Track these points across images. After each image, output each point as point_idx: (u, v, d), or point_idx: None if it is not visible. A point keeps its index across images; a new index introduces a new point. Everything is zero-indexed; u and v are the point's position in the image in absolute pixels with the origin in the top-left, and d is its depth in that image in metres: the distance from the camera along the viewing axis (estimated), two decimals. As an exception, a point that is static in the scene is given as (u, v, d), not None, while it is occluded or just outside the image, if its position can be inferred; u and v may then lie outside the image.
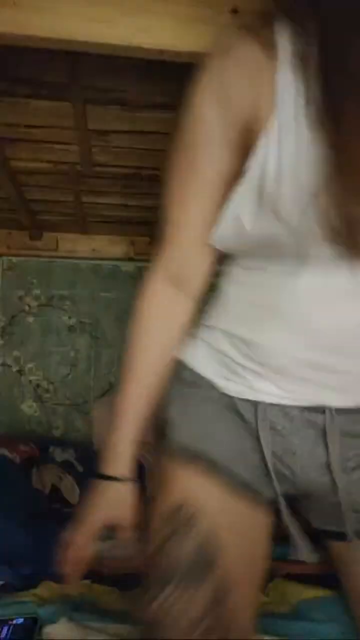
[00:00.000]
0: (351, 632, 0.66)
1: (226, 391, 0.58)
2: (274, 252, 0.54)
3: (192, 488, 0.58)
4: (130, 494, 0.61)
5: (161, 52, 0.72)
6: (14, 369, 1.84)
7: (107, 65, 0.90)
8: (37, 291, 1.90)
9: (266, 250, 0.55)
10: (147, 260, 1.90)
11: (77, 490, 1.21)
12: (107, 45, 0.71)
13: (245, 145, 0.53)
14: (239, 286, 0.61)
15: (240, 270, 0.60)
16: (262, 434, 0.55)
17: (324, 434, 0.55)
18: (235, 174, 0.54)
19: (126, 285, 1.94)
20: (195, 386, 0.60)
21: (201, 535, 0.54)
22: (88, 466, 1.31)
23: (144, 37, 0.71)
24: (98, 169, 1.30)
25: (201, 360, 0.61)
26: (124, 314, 1.93)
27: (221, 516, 0.56)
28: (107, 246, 1.87)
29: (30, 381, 1.84)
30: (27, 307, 1.89)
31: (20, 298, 1.89)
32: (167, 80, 0.95)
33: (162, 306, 0.61)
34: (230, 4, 0.73)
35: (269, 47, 0.50)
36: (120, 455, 0.60)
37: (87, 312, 1.91)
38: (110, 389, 1.85)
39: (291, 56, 0.49)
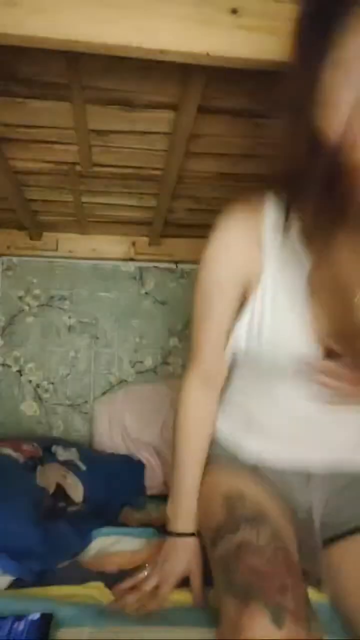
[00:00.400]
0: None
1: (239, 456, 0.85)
2: (261, 364, 0.77)
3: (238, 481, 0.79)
4: (197, 545, 0.80)
5: (161, 52, 0.72)
6: (14, 369, 1.84)
7: (107, 65, 0.91)
8: (37, 291, 1.90)
9: (256, 363, 0.78)
10: (147, 260, 1.92)
11: (81, 489, 1.21)
12: (107, 45, 0.71)
13: (243, 290, 0.75)
14: (241, 393, 0.86)
15: (242, 375, 0.85)
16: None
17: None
18: (237, 310, 0.77)
19: (126, 285, 1.94)
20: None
21: (254, 501, 0.73)
22: (90, 465, 1.31)
23: (144, 37, 0.71)
24: (98, 169, 1.30)
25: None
26: (124, 314, 1.93)
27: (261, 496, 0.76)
28: (107, 246, 1.87)
29: (30, 381, 1.84)
30: (27, 307, 1.89)
31: (20, 298, 1.89)
32: (167, 80, 0.95)
33: (198, 402, 0.84)
34: (230, 4, 0.73)
35: (261, 219, 0.71)
36: (186, 513, 0.81)
37: (87, 312, 1.91)
38: (110, 389, 1.85)
39: (275, 222, 0.70)
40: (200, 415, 0.84)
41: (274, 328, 0.71)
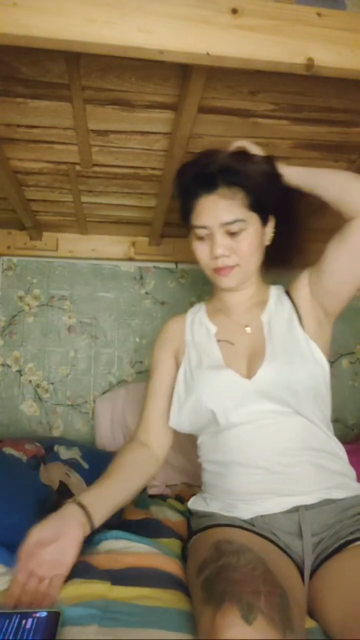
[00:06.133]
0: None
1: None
2: (203, 419, 0.95)
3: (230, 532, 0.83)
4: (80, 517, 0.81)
5: (161, 52, 0.72)
6: (14, 369, 1.84)
7: (107, 65, 0.91)
8: (37, 291, 1.90)
9: (198, 420, 0.96)
10: (147, 261, 1.92)
11: (85, 486, 1.21)
12: (107, 45, 0.71)
13: (177, 363, 1.05)
14: (211, 475, 0.97)
15: (204, 455, 1.00)
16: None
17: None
18: (174, 381, 1.03)
19: (126, 285, 1.94)
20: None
21: (241, 542, 0.76)
22: (93, 464, 1.32)
23: (144, 37, 0.71)
24: (98, 169, 1.30)
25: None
26: (124, 314, 1.93)
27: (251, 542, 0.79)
28: (107, 246, 1.86)
29: (30, 381, 1.84)
30: (27, 307, 1.89)
31: (20, 298, 1.89)
32: (167, 80, 0.95)
33: (134, 449, 1.00)
34: (230, 4, 0.74)
35: (183, 320, 1.10)
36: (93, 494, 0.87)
37: (87, 312, 1.91)
38: (110, 389, 1.85)
39: (191, 322, 1.09)
40: (134, 458, 0.98)
41: (197, 383, 0.96)
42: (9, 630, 0.63)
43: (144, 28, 0.71)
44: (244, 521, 0.87)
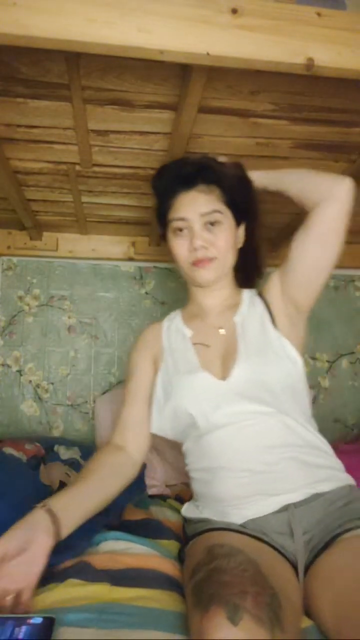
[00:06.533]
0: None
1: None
2: (184, 423, 0.97)
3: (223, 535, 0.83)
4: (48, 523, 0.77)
5: (161, 52, 0.72)
6: (14, 369, 1.84)
7: (107, 65, 0.91)
8: (37, 291, 1.90)
9: (180, 424, 0.98)
10: (147, 261, 1.92)
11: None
12: (107, 45, 0.71)
13: (155, 368, 1.06)
14: (192, 456, 0.98)
15: (190, 464, 0.99)
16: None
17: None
18: (152, 385, 1.04)
19: (126, 285, 1.94)
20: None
21: (233, 545, 0.76)
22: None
23: (144, 37, 0.71)
24: (98, 169, 1.30)
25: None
26: (124, 314, 1.93)
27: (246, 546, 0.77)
28: (107, 246, 1.87)
29: (30, 381, 1.84)
30: (27, 307, 1.89)
31: (20, 298, 1.89)
32: (167, 80, 0.95)
33: (110, 452, 0.98)
34: (230, 4, 0.74)
35: (160, 327, 1.12)
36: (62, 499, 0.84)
37: (87, 312, 1.92)
38: (110, 389, 1.85)
39: (167, 329, 1.10)
40: (109, 461, 0.96)
41: (176, 386, 0.98)
42: (1, 638, 0.62)
43: (144, 28, 0.71)
44: (238, 525, 0.87)
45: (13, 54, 0.88)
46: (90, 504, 0.85)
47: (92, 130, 1.12)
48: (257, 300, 1.06)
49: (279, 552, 0.83)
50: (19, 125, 1.10)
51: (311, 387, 1.94)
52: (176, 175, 1.02)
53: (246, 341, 0.97)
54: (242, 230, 1.07)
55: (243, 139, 1.16)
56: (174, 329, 1.09)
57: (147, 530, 1.01)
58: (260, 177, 1.04)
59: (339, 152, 1.23)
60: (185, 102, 0.96)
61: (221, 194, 1.00)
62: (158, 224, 1.10)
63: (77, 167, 1.29)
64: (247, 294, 1.08)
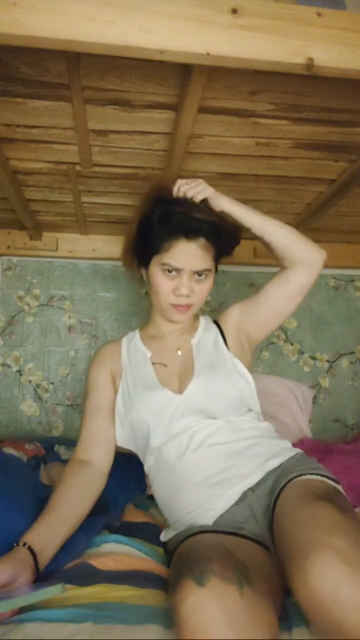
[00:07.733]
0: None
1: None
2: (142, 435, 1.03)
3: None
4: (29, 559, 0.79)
5: (161, 52, 0.72)
6: (14, 369, 1.84)
7: (107, 65, 0.91)
8: (37, 291, 1.90)
9: (137, 437, 1.04)
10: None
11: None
12: (107, 45, 0.71)
13: (114, 384, 1.11)
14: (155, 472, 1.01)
15: (154, 479, 1.02)
16: None
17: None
18: (112, 399, 1.10)
19: (126, 285, 1.94)
20: None
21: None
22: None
23: (144, 36, 0.71)
24: (98, 169, 1.30)
25: None
26: (124, 314, 1.93)
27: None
28: (107, 246, 1.86)
29: (30, 381, 1.84)
30: (27, 307, 1.89)
31: (20, 298, 1.89)
32: (167, 80, 0.95)
33: (76, 471, 0.99)
34: (230, 4, 0.73)
35: (119, 345, 1.18)
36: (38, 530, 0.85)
37: (87, 312, 1.92)
38: (110, 389, 1.85)
39: (126, 348, 1.17)
40: (78, 477, 0.98)
41: (134, 398, 1.04)
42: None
43: (144, 28, 0.71)
44: (211, 526, 0.89)
45: (13, 54, 0.88)
46: (66, 530, 0.88)
47: (92, 130, 1.12)
48: (213, 326, 1.16)
49: (256, 541, 0.84)
50: (18, 125, 1.10)
51: (311, 387, 1.94)
52: (184, 220, 0.99)
53: (201, 360, 1.07)
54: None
55: (243, 139, 1.16)
56: (134, 348, 1.15)
57: (146, 534, 1.02)
58: (250, 218, 1.04)
59: (339, 152, 1.23)
60: (185, 102, 0.96)
61: (215, 252, 1.06)
62: (136, 250, 1.10)
63: (77, 167, 1.29)
64: (203, 320, 1.19)
